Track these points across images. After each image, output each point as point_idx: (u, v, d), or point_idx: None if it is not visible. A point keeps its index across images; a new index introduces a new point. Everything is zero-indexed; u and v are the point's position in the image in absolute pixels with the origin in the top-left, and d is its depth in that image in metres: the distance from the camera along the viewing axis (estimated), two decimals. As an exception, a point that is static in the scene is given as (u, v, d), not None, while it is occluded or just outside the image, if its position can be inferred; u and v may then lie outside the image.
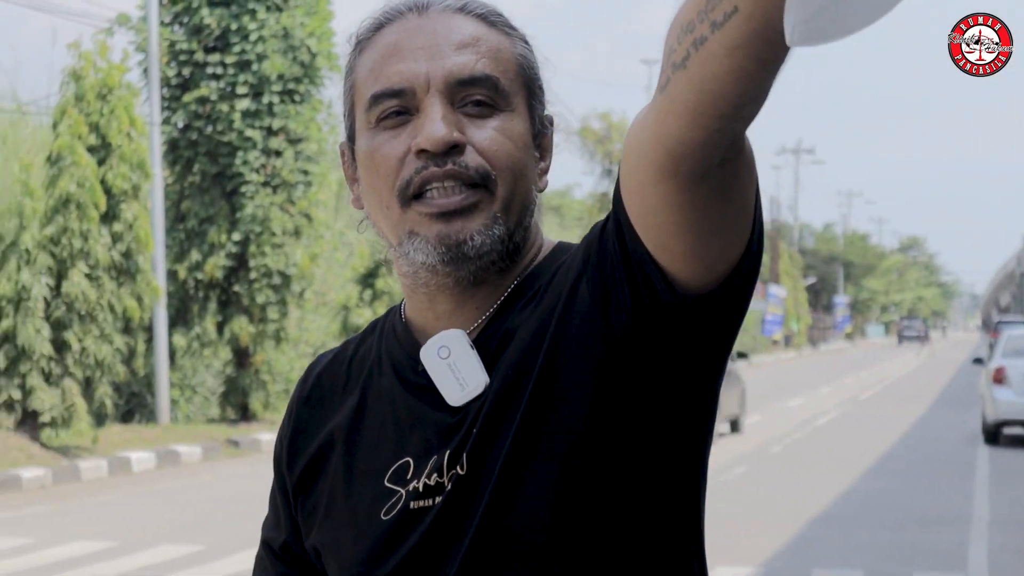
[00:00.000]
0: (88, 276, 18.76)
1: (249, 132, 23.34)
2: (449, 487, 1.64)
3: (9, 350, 18.22)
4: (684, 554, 1.72)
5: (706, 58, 1.31)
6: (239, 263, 23.59)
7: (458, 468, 1.64)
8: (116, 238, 19.41)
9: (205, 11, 22.74)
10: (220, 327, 23.96)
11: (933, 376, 49.53)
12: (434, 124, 1.62)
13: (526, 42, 1.77)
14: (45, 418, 18.55)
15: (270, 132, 23.54)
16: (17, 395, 18.42)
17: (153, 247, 20.89)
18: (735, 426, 26.39)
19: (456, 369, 1.66)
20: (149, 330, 21.41)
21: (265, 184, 23.43)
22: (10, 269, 18.18)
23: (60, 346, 18.66)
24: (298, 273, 24.06)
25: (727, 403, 25.12)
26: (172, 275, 23.21)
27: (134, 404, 22.70)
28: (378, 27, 1.73)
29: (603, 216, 1.75)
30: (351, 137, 1.77)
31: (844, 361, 66.54)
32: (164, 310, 22.19)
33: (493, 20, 1.74)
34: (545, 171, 1.77)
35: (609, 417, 1.61)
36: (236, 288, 23.60)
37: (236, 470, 19.47)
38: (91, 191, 18.59)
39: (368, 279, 27.13)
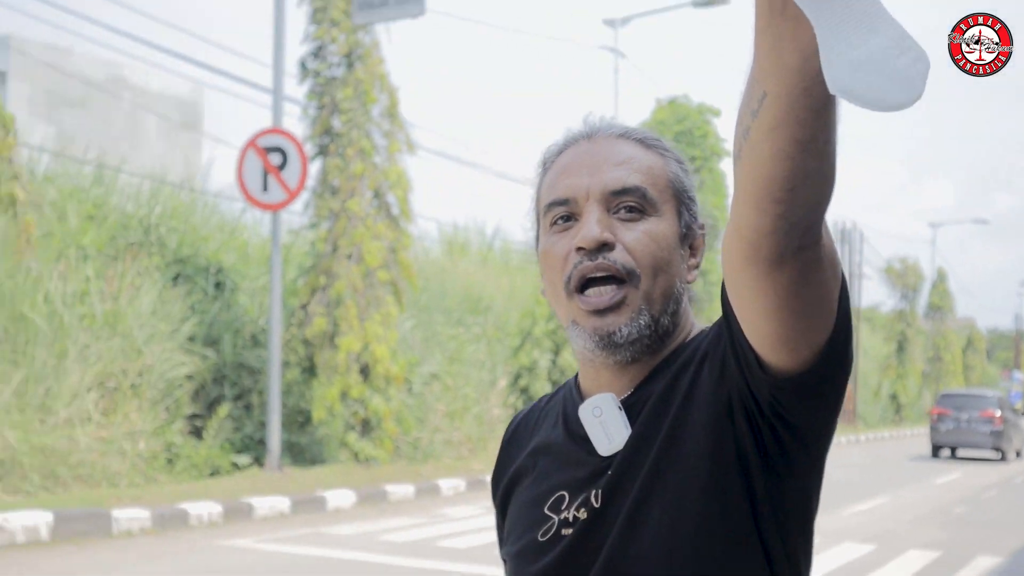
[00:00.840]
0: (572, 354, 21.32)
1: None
2: (587, 516, 1.56)
3: (526, 398, 21.23)
4: None
5: (752, 146, 1.24)
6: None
7: (593, 502, 1.56)
8: (586, 331, 22.34)
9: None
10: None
11: None
12: (589, 227, 1.55)
13: (680, 162, 1.66)
14: (544, 429, 21.52)
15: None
16: (529, 421, 21.76)
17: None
18: (1019, 454, 31.20)
19: (606, 425, 1.58)
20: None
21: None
22: (527, 349, 21.44)
23: (556, 395, 21.85)
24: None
25: (1017, 440, 30.40)
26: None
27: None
28: (560, 152, 1.67)
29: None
30: (537, 239, 1.68)
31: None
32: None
33: (650, 144, 1.65)
34: (695, 267, 1.65)
35: (721, 473, 1.50)
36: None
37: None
38: (574, 306, 21.63)
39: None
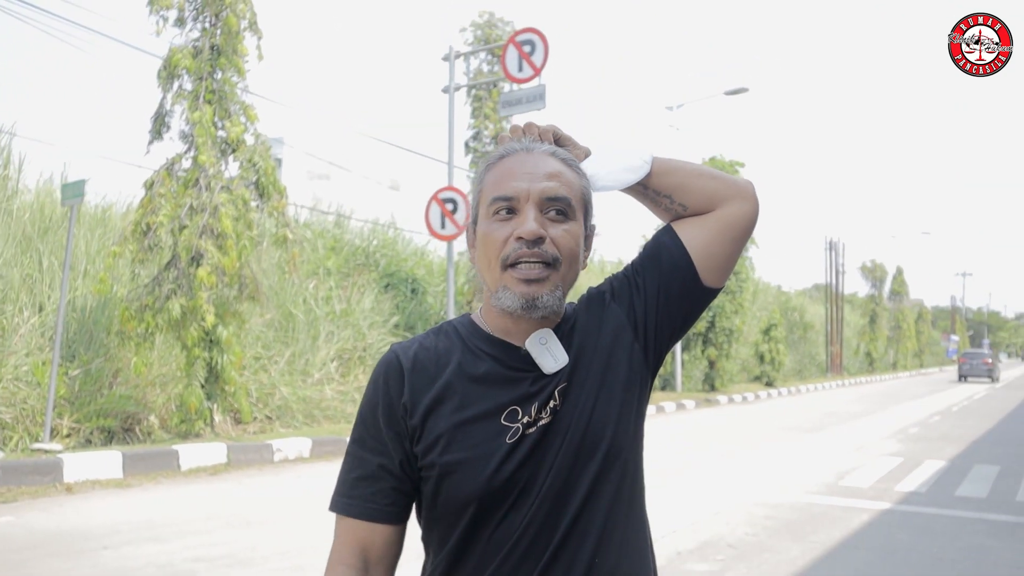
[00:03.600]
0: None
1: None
2: (551, 417, 1.40)
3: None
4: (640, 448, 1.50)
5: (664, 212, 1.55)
6: (711, 325, 23.62)
7: (554, 403, 1.41)
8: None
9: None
10: (703, 351, 23.87)
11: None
12: (530, 223, 1.39)
13: (587, 179, 1.50)
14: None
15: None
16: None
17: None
18: (994, 379, 40.15)
19: (551, 350, 1.43)
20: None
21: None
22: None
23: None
24: (736, 328, 23.85)
25: (998, 372, 40.09)
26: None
27: (665, 383, 22.47)
28: (502, 157, 1.48)
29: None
30: (475, 220, 1.48)
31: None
32: (679, 345, 21.96)
33: (569, 164, 1.48)
34: (586, 258, 1.49)
35: (631, 373, 1.46)
36: (710, 335, 23.70)
37: (708, 412, 19.04)
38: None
39: (768, 331, 27.96)
